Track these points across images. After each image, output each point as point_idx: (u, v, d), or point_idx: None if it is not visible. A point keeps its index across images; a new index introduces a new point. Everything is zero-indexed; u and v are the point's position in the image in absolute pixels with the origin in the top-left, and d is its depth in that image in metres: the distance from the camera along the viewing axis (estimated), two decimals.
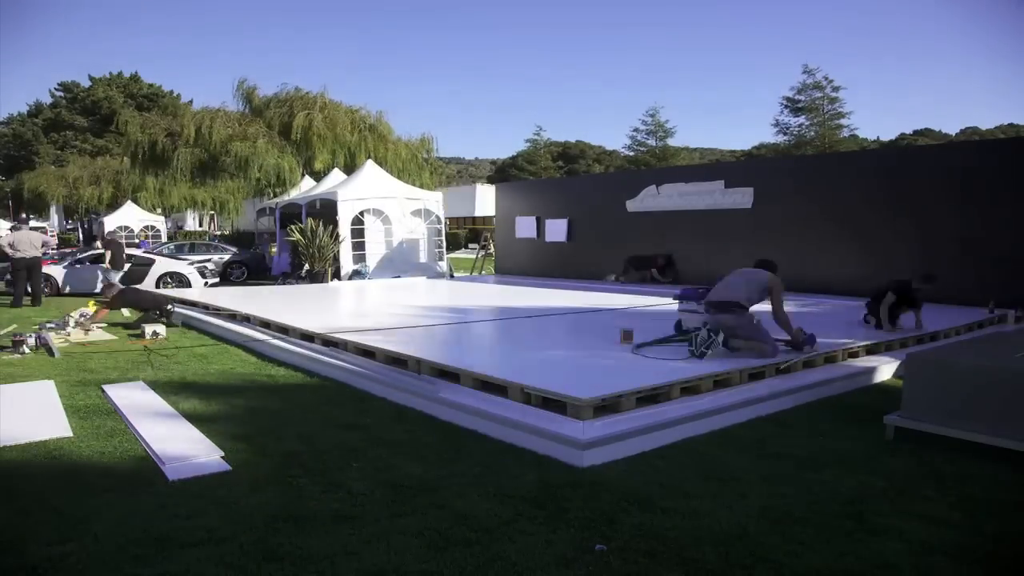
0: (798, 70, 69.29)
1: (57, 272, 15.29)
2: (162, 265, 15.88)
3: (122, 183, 37.11)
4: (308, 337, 7.96)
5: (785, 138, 50.80)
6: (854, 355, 6.87)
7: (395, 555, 3.05)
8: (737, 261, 13.25)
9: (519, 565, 2.97)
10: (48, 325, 9.45)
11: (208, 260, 18.71)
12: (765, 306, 6.49)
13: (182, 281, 15.50)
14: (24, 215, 18.65)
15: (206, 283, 15.85)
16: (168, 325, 9.79)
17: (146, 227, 34.67)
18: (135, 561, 3.00)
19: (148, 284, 15.33)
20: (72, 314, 9.62)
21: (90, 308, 10.08)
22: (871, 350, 7.07)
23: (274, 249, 20.83)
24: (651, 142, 57.26)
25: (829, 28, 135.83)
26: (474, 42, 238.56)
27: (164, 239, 32.20)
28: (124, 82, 56.82)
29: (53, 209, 43.49)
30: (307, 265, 17.26)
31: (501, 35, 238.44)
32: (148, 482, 3.94)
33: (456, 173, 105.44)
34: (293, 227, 17.68)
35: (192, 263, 16.65)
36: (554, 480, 3.93)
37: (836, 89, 48.32)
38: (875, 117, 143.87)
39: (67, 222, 47.59)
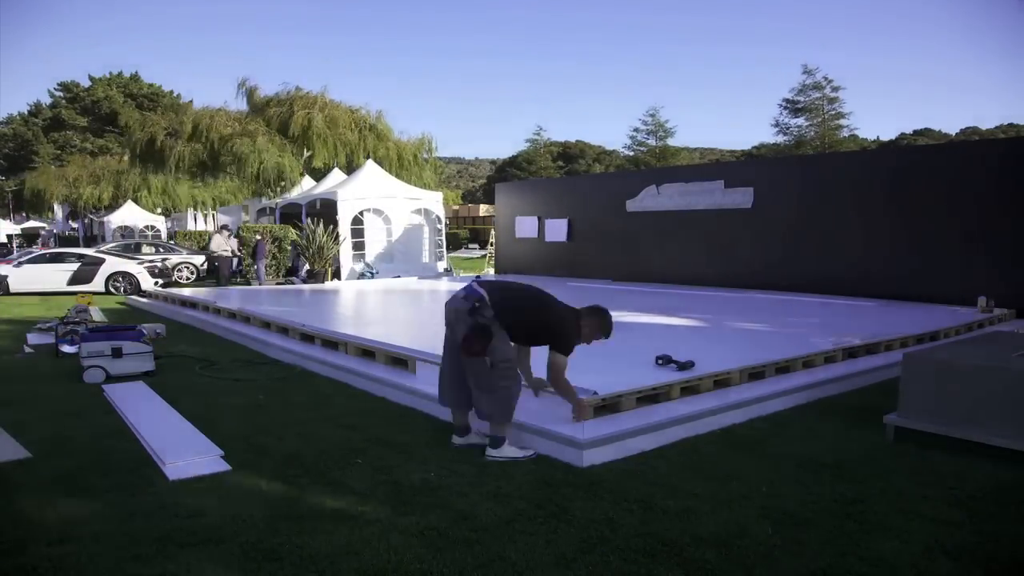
0: (798, 70, 69.25)
1: (9, 272, 15.41)
2: (111, 264, 15.89)
3: (122, 183, 37.06)
4: (308, 337, 7.97)
5: (785, 138, 50.82)
6: (854, 355, 6.87)
7: (395, 555, 3.05)
8: (738, 260, 13.39)
9: (519, 565, 2.97)
10: (47, 325, 9.46)
11: (157, 260, 18.69)
12: None
13: (132, 281, 15.52)
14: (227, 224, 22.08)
15: (156, 283, 15.86)
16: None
17: (147, 227, 34.64)
18: (135, 561, 3.00)
19: (97, 284, 15.42)
20: (69, 311, 9.63)
21: (85, 303, 10.08)
22: (871, 350, 7.07)
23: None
24: (651, 142, 57.24)
25: (830, 28, 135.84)
26: (474, 42, 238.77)
27: (164, 238, 32.16)
28: (124, 82, 56.84)
29: (57, 209, 43.37)
30: (307, 265, 17.26)
31: (501, 35, 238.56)
32: (148, 482, 3.94)
33: (456, 173, 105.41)
34: (293, 227, 17.69)
35: (142, 263, 16.68)
36: (554, 480, 3.93)
37: (836, 89, 48.41)
38: (875, 117, 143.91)
39: (69, 222, 47.53)
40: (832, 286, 11.93)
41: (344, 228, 17.57)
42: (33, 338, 8.87)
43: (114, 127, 50.08)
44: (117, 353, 6.62)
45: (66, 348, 7.90)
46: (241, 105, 25.29)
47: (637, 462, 4.24)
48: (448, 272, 19.39)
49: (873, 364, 6.61)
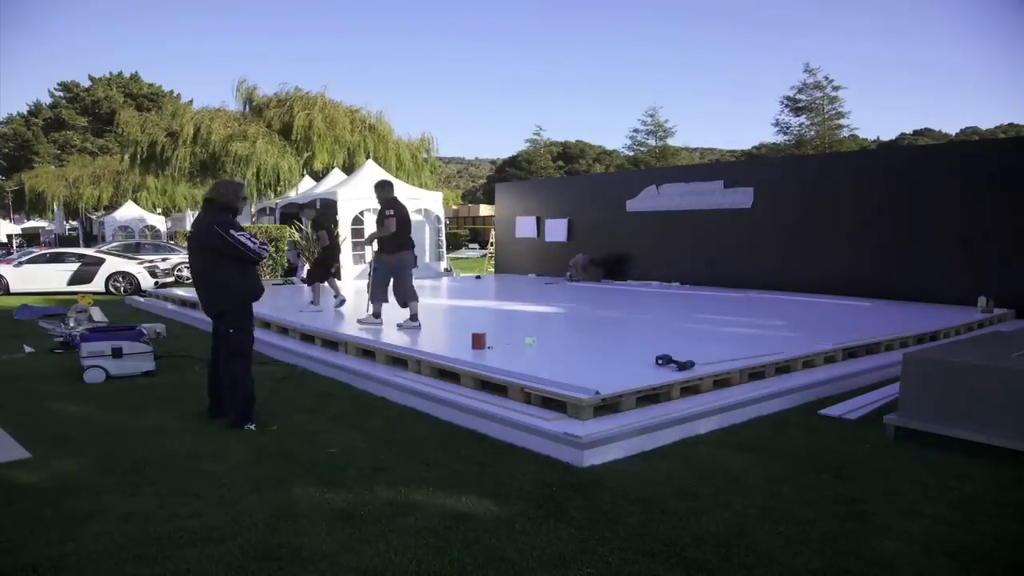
0: (799, 69, 69.33)
1: (8, 272, 15.44)
2: (112, 264, 15.91)
3: (122, 183, 37.05)
4: (308, 337, 7.97)
5: (785, 138, 50.83)
6: (854, 355, 6.87)
7: (395, 555, 3.05)
8: (738, 260, 13.38)
9: (519, 565, 2.97)
10: (48, 326, 9.46)
11: (158, 260, 18.69)
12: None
13: (132, 281, 15.55)
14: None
15: (156, 283, 15.86)
16: None
17: (146, 227, 34.64)
18: (135, 561, 3.00)
19: (97, 284, 15.47)
20: (70, 311, 9.64)
21: (86, 303, 10.09)
22: (871, 350, 7.07)
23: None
24: (651, 142, 57.26)
25: (830, 27, 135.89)
26: (474, 42, 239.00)
27: (164, 239, 32.17)
28: (124, 82, 56.79)
29: (56, 208, 43.32)
30: (306, 265, 17.25)
31: (501, 35, 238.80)
32: (150, 482, 3.94)
33: (456, 173, 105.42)
34: (293, 227, 17.68)
35: (142, 263, 16.69)
36: (554, 480, 3.93)
37: (836, 89, 48.40)
38: (875, 117, 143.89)
39: (71, 221, 47.46)
40: (832, 286, 11.92)
41: (344, 228, 17.56)
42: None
43: (114, 127, 50.01)
44: (117, 353, 6.62)
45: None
46: (239, 106, 25.28)
47: (637, 462, 4.24)
48: (448, 272, 19.38)
49: (873, 364, 6.60)
